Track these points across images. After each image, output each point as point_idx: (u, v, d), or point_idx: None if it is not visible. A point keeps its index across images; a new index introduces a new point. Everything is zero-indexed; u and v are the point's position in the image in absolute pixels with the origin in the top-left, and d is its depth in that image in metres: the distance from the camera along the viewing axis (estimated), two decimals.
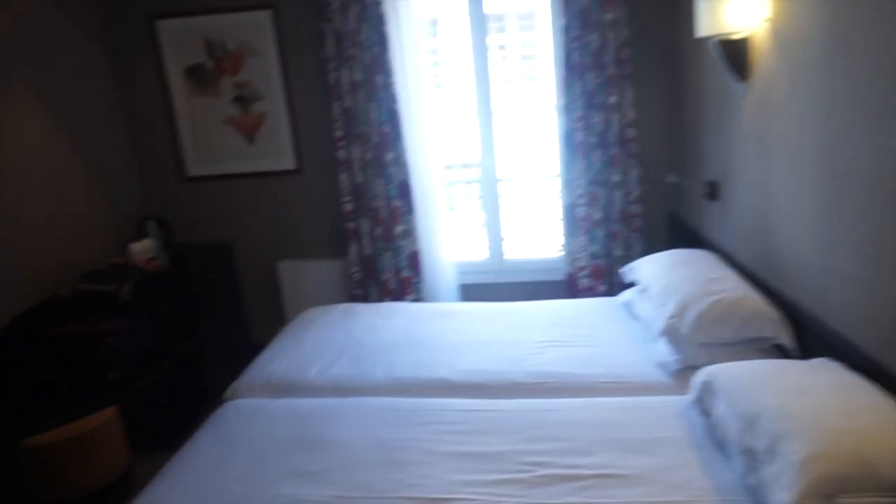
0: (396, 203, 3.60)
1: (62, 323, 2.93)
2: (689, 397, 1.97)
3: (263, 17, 3.59)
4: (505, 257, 3.93)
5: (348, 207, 3.64)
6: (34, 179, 3.12)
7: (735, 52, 2.37)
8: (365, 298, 3.72)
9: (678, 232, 3.38)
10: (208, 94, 3.76)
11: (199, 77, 3.74)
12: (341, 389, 2.36)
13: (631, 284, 2.95)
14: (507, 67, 4.36)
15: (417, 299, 3.64)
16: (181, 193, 3.95)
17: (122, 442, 2.79)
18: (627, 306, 2.83)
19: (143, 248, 3.43)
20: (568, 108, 3.38)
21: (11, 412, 2.71)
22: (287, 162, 3.81)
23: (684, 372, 2.18)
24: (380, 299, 3.69)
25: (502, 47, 4.87)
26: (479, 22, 3.57)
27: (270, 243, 3.95)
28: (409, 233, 3.62)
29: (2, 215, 2.90)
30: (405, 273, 3.66)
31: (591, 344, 2.54)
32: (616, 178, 3.42)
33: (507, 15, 7.50)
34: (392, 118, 3.49)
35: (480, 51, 3.61)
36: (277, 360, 2.62)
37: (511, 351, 2.51)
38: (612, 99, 3.33)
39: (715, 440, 1.82)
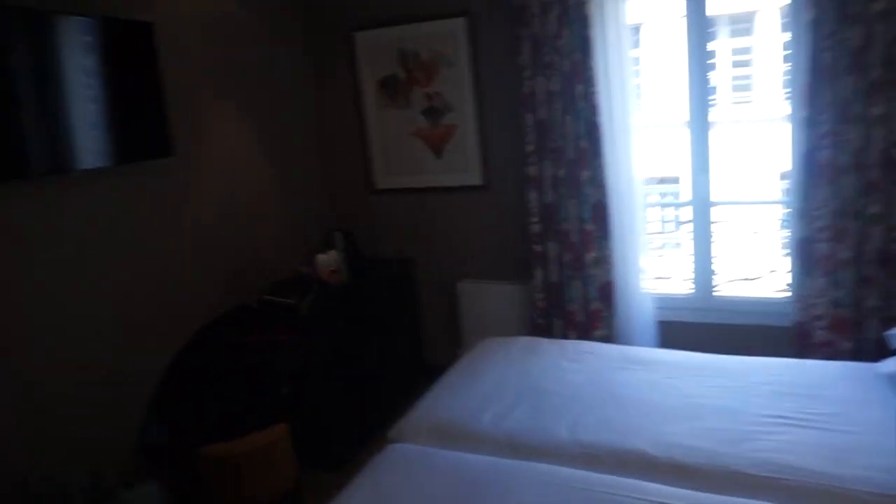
0: (589, 227, 3.21)
1: (245, 333, 2.98)
2: None
3: (458, 25, 3.42)
4: (715, 293, 3.35)
5: (535, 229, 3.33)
6: (231, 187, 3.23)
7: None
8: (548, 329, 3.38)
9: None
10: (399, 106, 3.68)
11: (392, 88, 3.67)
12: (516, 446, 2.05)
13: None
14: (714, 77, 3.76)
15: (607, 336, 3.22)
16: (368, 206, 3.93)
17: (292, 459, 2.75)
18: (894, 381, 2.17)
19: (327, 260, 3.43)
20: (812, 122, 2.75)
21: (195, 418, 2.79)
22: (474, 177, 3.61)
23: None
24: (564, 332, 3.33)
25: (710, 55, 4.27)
26: (699, 25, 3.07)
27: (452, 262, 3.77)
28: (603, 261, 3.21)
29: (200, 222, 3.03)
30: (595, 305, 3.25)
31: (840, 428, 1.95)
32: (875, 209, 2.71)
33: (718, 19, 6.72)
34: (590, 132, 3.11)
35: (698, 57, 3.10)
36: (448, 398, 2.39)
37: (727, 424, 2.02)
38: (877, 110, 2.63)
39: None
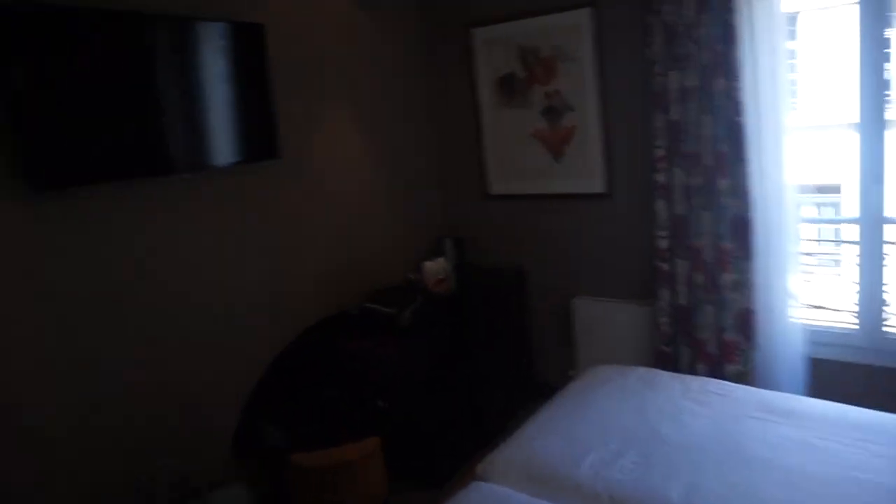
0: (727, 244, 2.78)
1: (343, 341, 2.91)
2: None
3: (582, 17, 3.11)
4: (885, 329, 2.78)
5: (663, 244, 2.95)
6: (340, 189, 3.17)
7: None
8: (673, 359, 2.98)
9: None
10: (516, 106, 3.44)
11: (510, 87, 3.44)
12: None
13: None
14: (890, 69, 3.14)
15: (743, 373, 2.76)
16: (480, 212, 3.72)
17: (382, 475, 2.66)
18: None
19: (435, 268, 3.29)
20: None
21: (290, 424, 2.74)
22: (595, 184, 3.28)
23: None
24: (692, 364, 2.91)
25: None
26: (878, 7, 2.54)
27: (568, 275, 3.46)
28: (742, 285, 2.76)
29: (307, 224, 2.99)
30: (730, 335, 2.81)
31: None
32: None
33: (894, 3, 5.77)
34: (732, 135, 2.69)
35: (872, 45, 2.57)
36: (546, 434, 2.13)
37: None
38: None
39: None
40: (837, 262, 3.69)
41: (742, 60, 2.65)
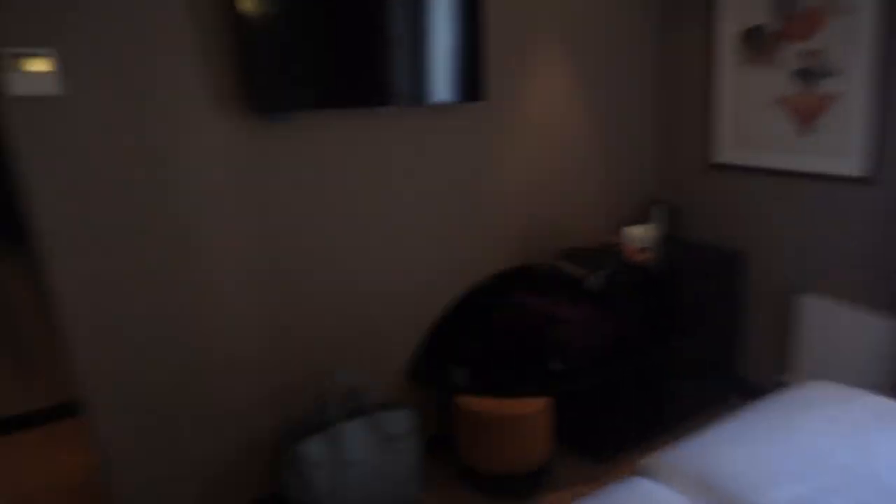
0: None
1: (529, 295, 2.87)
2: None
3: None
4: None
5: None
6: (545, 139, 3.06)
7: None
8: None
9: None
10: (761, 64, 2.95)
11: (756, 43, 2.95)
12: None
13: None
14: None
15: None
16: (700, 182, 3.33)
17: (547, 435, 2.67)
18: None
19: (639, 235, 3.05)
20: None
21: (464, 366, 2.79)
22: (852, 165, 2.73)
23: None
24: None
25: None
26: None
27: (798, 267, 2.98)
28: None
29: (506, 171, 2.95)
30: None
31: None
32: None
33: None
34: None
35: None
36: (735, 444, 1.86)
37: None
38: None
39: None
40: None
41: None
